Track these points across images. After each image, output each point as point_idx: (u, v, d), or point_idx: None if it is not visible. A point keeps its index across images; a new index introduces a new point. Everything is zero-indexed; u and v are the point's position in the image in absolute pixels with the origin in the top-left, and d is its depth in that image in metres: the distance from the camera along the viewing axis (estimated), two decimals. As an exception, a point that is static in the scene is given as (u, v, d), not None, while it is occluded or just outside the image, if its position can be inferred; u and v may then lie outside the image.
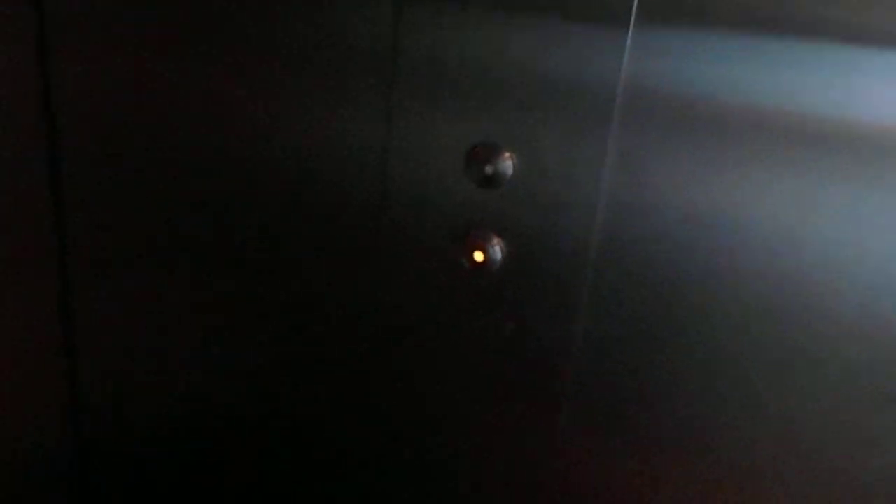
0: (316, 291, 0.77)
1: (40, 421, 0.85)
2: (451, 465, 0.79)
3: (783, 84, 0.59)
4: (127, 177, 0.78)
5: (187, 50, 0.73)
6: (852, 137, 0.58)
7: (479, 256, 0.71)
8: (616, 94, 0.64)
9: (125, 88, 0.75)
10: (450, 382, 0.77)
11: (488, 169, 0.68)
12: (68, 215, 0.80)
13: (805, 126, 0.59)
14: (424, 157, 0.70)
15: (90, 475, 0.88)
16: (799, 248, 0.62)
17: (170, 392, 0.86)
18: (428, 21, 0.66)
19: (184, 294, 0.82)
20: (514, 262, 0.71)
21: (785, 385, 0.66)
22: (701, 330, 0.68)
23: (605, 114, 0.65)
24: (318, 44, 0.70)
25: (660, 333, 0.69)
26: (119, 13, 0.73)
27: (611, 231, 0.68)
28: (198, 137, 0.75)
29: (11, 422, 0.82)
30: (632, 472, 0.73)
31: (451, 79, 0.67)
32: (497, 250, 0.71)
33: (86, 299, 0.83)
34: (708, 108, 0.61)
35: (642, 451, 0.72)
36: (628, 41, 0.62)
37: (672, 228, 0.66)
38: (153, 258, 0.81)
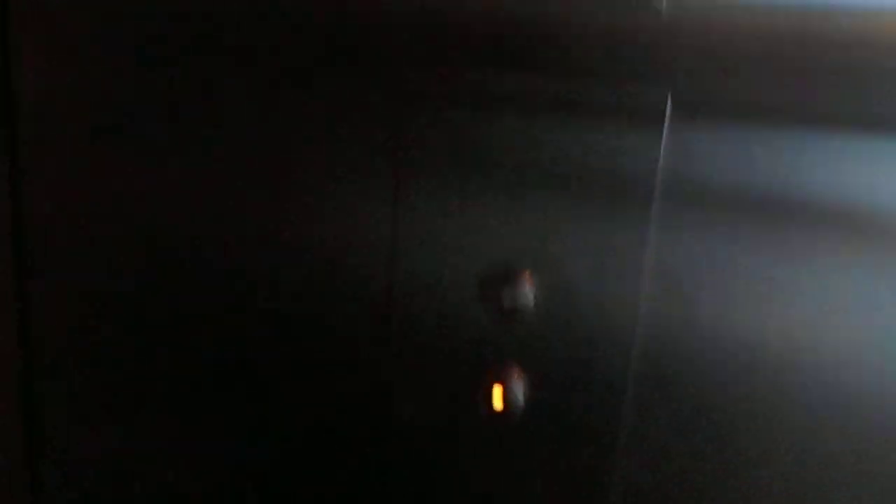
0: (311, 427, 0.66)
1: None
2: None
3: (833, 179, 0.53)
4: (113, 284, 0.68)
5: (174, 150, 0.64)
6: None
7: (498, 399, 0.60)
8: (652, 203, 0.55)
9: (107, 190, 0.66)
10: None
11: (506, 295, 0.59)
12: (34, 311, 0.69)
13: (861, 223, 0.54)
14: (433, 283, 0.61)
15: None
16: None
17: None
18: (435, 120, 0.58)
19: (173, 405, 0.70)
20: (540, 405, 0.60)
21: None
22: (757, 483, 0.58)
23: (640, 226, 0.56)
24: (317, 147, 0.61)
25: (708, 484, 0.59)
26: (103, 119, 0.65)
27: (651, 364, 0.58)
28: (187, 240, 0.66)
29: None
30: None
31: (460, 187, 0.59)
32: (519, 392, 0.60)
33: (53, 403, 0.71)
34: (758, 208, 0.55)
35: None
36: (663, 141, 0.54)
37: (725, 359, 0.57)
38: (140, 370, 0.69)
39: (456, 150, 0.58)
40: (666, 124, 0.55)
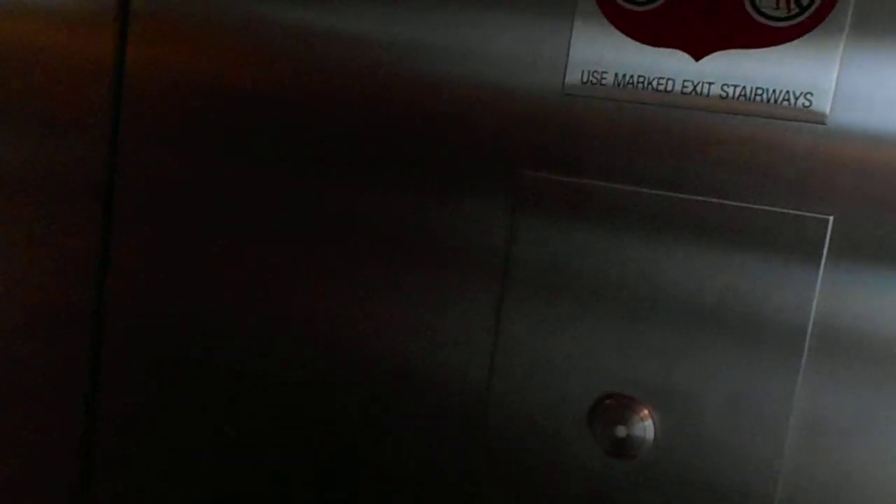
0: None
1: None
2: None
3: None
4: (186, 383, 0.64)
5: (277, 250, 0.60)
6: None
7: (605, 549, 0.52)
8: (805, 343, 0.47)
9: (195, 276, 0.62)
10: None
11: (620, 430, 0.51)
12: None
13: None
14: (536, 410, 0.53)
15: None
16: None
17: None
18: (548, 236, 0.51)
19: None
20: (655, 561, 0.52)
21: None
22: None
23: (790, 367, 0.47)
24: (426, 245, 0.56)
25: None
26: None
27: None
28: (278, 337, 0.61)
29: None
30: None
31: (577, 302, 0.52)
32: (632, 543, 0.52)
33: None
34: None
35: None
36: (819, 280, 0.46)
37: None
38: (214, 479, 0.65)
39: (574, 265, 0.51)
40: (825, 254, 0.46)
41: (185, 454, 0.63)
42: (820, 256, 0.46)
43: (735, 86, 0.47)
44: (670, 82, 0.48)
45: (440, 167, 0.55)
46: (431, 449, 0.57)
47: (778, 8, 0.45)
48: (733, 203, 0.48)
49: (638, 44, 0.48)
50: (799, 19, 0.45)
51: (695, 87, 0.48)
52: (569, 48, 0.50)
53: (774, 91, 0.46)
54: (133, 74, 0.60)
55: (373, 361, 0.58)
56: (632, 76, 0.49)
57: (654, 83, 0.49)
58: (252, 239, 0.59)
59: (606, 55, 0.49)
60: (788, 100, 0.46)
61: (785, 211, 0.47)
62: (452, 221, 0.55)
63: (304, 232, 0.58)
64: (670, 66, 0.48)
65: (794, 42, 0.45)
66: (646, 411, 0.51)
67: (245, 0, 0.57)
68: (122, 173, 0.62)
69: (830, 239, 0.46)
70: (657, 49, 0.48)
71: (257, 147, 0.58)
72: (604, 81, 0.50)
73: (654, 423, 0.51)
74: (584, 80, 0.50)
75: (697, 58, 0.47)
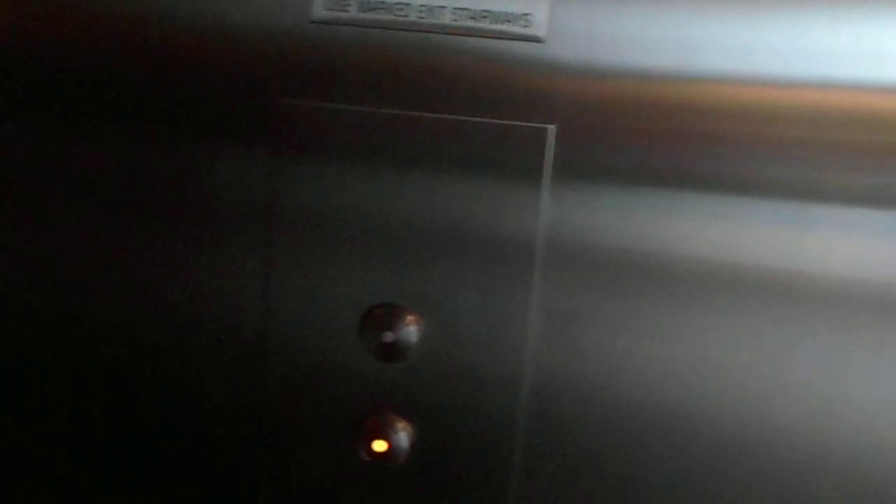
0: (187, 475, 0.62)
1: None
2: None
3: (704, 235, 0.52)
4: None
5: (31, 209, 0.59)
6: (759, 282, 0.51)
7: (380, 446, 0.57)
8: (536, 247, 0.52)
9: None
10: None
11: (388, 336, 0.55)
12: None
13: (714, 271, 0.52)
14: (310, 324, 0.57)
15: None
16: (744, 408, 0.53)
17: None
18: (307, 169, 0.54)
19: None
20: (425, 451, 0.57)
21: None
22: None
23: (525, 268, 0.53)
24: (185, 198, 0.57)
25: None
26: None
27: (540, 406, 0.55)
28: (47, 302, 0.61)
29: None
30: None
31: (338, 229, 0.55)
32: (403, 437, 0.57)
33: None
34: (635, 259, 0.53)
35: None
36: (544, 189, 0.51)
37: (615, 402, 0.55)
38: None
39: (333, 194, 0.54)
40: (548, 163, 0.51)
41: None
42: (543, 164, 0.51)
43: (464, 9, 0.51)
44: (407, 7, 0.51)
45: (195, 115, 0.55)
46: (220, 386, 0.60)
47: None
48: (466, 119, 0.52)
49: (375, -29, 0.51)
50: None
51: (430, 10, 0.51)
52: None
53: (498, 13, 0.50)
54: None
55: (151, 320, 0.59)
56: (372, 2, 0.51)
57: (394, 9, 0.51)
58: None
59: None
60: (510, 20, 0.50)
61: (510, 124, 0.51)
62: (214, 166, 0.56)
63: (61, 195, 0.58)
64: (407, -10, 0.51)
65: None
66: (410, 317, 0.56)
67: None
68: None
69: (552, 150, 0.51)
70: (393, -25, 0.50)
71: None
72: (348, 8, 0.52)
73: (417, 327, 0.56)
74: (329, 7, 0.52)
75: (430, -17, 0.50)
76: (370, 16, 0.52)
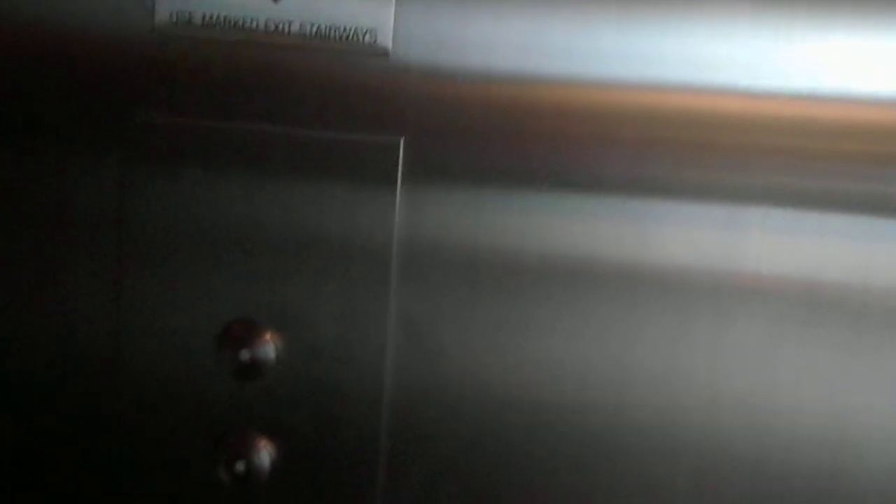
0: (39, 495, 0.59)
1: None
2: None
3: (544, 230, 0.54)
4: None
5: None
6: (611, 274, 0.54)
7: (240, 466, 0.55)
8: (391, 255, 0.53)
9: None
10: None
11: (245, 354, 0.54)
12: None
13: (567, 266, 0.54)
14: (164, 342, 0.55)
15: None
16: (611, 404, 0.56)
17: None
18: (158, 182, 0.53)
19: None
20: (287, 469, 0.56)
21: None
22: None
23: (381, 277, 0.54)
24: (34, 211, 0.54)
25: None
26: None
27: (403, 415, 0.56)
28: None
29: None
30: None
31: (192, 244, 0.54)
32: (264, 455, 0.56)
33: None
34: (489, 258, 0.54)
35: None
36: (397, 198, 0.52)
37: (476, 409, 0.56)
38: None
39: (184, 207, 0.53)
40: (400, 174, 0.52)
41: None
42: (395, 175, 0.52)
43: (312, 24, 0.51)
44: (254, 21, 0.51)
45: (44, 125, 0.54)
46: (72, 404, 0.57)
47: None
48: (317, 133, 0.52)
49: (220, -15, 0.51)
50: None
51: (276, 25, 0.51)
52: (151, -12, 0.51)
53: (345, 28, 0.51)
54: None
55: (12, 332, 0.56)
56: (218, 16, 0.51)
57: (240, 22, 0.51)
58: None
59: (191, -5, 0.51)
60: (357, 36, 0.51)
61: (361, 137, 0.52)
62: (63, 181, 0.54)
63: None
64: (253, 5, 0.51)
65: (359, -17, 0.50)
66: (268, 334, 0.55)
67: None
68: None
69: (403, 159, 0.52)
70: (238, -9, 0.51)
71: None
72: (192, 21, 0.51)
73: (275, 344, 0.55)
74: (174, 19, 0.52)
75: (276, -1, 0.51)
76: (215, 31, 0.51)
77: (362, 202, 0.53)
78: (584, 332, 0.54)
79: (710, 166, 0.52)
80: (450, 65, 0.52)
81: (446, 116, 0.52)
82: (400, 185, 0.52)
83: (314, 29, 0.51)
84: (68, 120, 0.53)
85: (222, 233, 0.54)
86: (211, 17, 0.51)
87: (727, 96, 0.52)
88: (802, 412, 0.55)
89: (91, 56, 0.52)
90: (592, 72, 0.52)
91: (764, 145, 0.52)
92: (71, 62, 0.53)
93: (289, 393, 0.55)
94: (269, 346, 0.55)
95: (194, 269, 0.54)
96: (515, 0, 0.51)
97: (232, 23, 0.51)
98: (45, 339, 0.56)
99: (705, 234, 0.53)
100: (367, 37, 0.51)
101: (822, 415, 0.55)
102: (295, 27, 0.51)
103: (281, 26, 0.51)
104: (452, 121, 0.52)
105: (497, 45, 0.51)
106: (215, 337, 0.55)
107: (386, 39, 0.51)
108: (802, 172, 0.52)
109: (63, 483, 0.58)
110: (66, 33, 0.52)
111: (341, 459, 0.56)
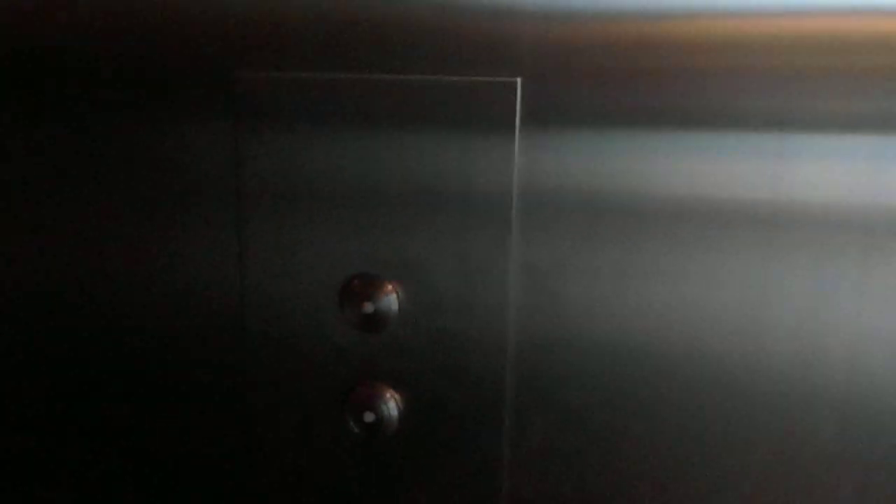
0: (174, 461, 0.61)
1: None
2: None
3: (669, 172, 0.51)
4: None
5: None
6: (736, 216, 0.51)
7: (369, 417, 0.56)
8: (511, 202, 0.52)
9: None
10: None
11: (368, 307, 0.54)
12: None
13: (691, 208, 0.52)
14: (289, 301, 0.56)
15: None
16: (728, 343, 0.53)
17: None
18: (273, 138, 0.53)
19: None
20: (415, 418, 0.56)
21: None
22: (641, 477, 0.56)
23: (501, 224, 0.52)
24: (155, 175, 0.56)
25: (598, 483, 0.57)
26: None
27: (527, 363, 0.55)
28: (24, 291, 0.60)
29: None
30: None
31: (310, 200, 0.54)
32: (392, 406, 0.56)
33: None
34: (612, 202, 0.52)
35: None
36: (516, 142, 0.50)
37: (601, 354, 0.55)
38: None
39: (300, 162, 0.53)
40: (518, 116, 0.50)
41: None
42: (514, 118, 0.51)
43: (421, -34, 0.49)
44: (362, -32, 0.50)
45: (157, 85, 0.54)
46: (201, 363, 0.59)
47: None
48: (431, 78, 0.51)
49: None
50: None
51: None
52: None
53: (456, -32, 0.49)
54: None
55: (126, 299, 0.58)
56: (325, -34, 0.50)
57: (348, -30, 0.50)
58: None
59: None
60: (468, -25, 0.49)
61: (477, 79, 0.50)
62: (180, 141, 0.55)
63: (25, 175, 0.56)
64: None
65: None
66: (389, 286, 0.55)
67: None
68: None
69: (521, 101, 0.50)
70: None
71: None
72: (300, -27, 0.51)
73: (397, 296, 0.55)
74: (282, -27, 0.51)
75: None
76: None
77: (480, 148, 0.51)
78: (715, 277, 0.52)
79: (854, 94, 0.48)
80: (567, 1, 0.49)
81: (565, 56, 0.49)
82: (518, 128, 0.50)
83: (424, -29, 0.49)
84: (181, 79, 0.53)
85: (339, 186, 0.54)
86: (318, -32, 0.50)
87: (868, 16, 0.47)
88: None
89: (201, 13, 0.52)
90: (716, 3, 0.48)
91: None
92: (181, 20, 0.53)
93: (413, 344, 0.55)
94: (391, 299, 0.55)
95: (313, 225, 0.54)
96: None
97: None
98: (170, 299, 0.57)
99: (851, 167, 0.49)
100: (479, -25, 0.49)
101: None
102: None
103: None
104: (571, 61, 0.49)
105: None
106: (338, 292, 0.55)
107: (500, -24, 0.49)
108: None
109: (198, 437, 0.60)
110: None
111: (467, 409, 0.56)
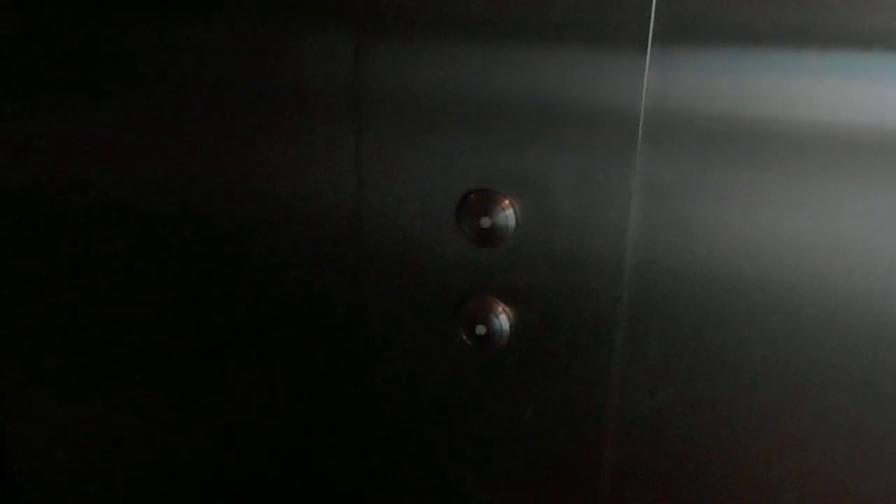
0: (290, 372, 0.64)
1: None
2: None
3: (810, 95, 0.49)
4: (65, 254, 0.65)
5: (121, 99, 0.59)
6: (882, 144, 0.48)
7: (481, 329, 0.57)
8: (639, 119, 0.50)
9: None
10: (461, 475, 0.63)
11: (485, 221, 0.55)
12: None
13: (831, 135, 0.49)
14: (405, 212, 0.56)
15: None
16: (846, 266, 0.51)
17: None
18: (393, 52, 0.52)
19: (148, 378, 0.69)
20: (527, 334, 0.57)
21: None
22: (753, 403, 0.55)
23: (627, 143, 0.51)
24: (273, 86, 0.56)
25: (706, 406, 0.57)
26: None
27: (642, 284, 0.55)
28: (141, 199, 0.62)
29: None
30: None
31: (429, 112, 0.54)
32: (503, 320, 0.57)
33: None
34: (746, 125, 0.50)
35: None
36: (647, 62, 0.48)
37: (719, 278, 0.54)
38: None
39: (420, 77, 0.53)
40: (651, 32, 0.48)
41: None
42: (646, 34, 0.49)
43: None
44: None
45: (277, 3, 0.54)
46: (317, 274, 0.60)
47: None
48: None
49: None
50: None
51: None
52: None
53: None
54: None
55: (245, 210, 0.59)
56: None
57: None
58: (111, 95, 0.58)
59: None
60: None
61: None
62: (301, 55, 0.55)
63: (148, 83, 0.57)
64: None
65: None
66: (506, 201, 0.55)
67: None
68: None
69: (655, 17, 0.49)
70: None
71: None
72: None
73: (514, 211, 0.55)
74: None
75: None
76: None
77: (609, 62, 0.50)
78: (852, 208, 0.50)
79: None
80: None
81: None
82: (651, 43, 0.49)
83: None
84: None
85: (459, 101, 0.53)
86: None
87: None
88: None
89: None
90: None
91: None
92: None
93: (528, 260, 0.56)
94: (508, 214, 0.55)
95: (432, 139, 0.54)
96: None
97: None
98: (288, 213, 0.59)
99: None
100: None
101: None
102: None
103: None
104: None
105: None
106: (455, 205, 0.56)
107: None
108: None
109: (313, 348, 0.62)
110: None
111: (580, 326, 0.56)
